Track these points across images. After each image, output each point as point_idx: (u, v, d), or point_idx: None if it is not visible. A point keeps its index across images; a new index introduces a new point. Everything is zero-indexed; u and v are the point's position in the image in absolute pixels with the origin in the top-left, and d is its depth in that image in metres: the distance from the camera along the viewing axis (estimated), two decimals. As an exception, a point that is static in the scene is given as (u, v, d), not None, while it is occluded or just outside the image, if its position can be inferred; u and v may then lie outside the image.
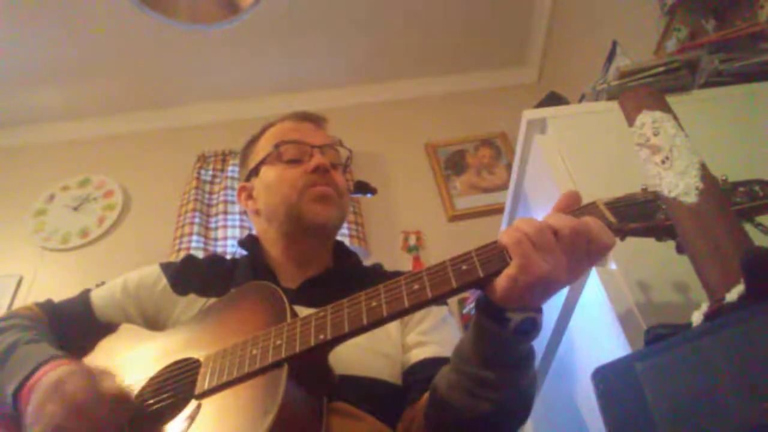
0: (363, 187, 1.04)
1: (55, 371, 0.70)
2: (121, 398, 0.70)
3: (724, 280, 0.56)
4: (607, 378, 0.57)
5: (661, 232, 0.67)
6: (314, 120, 1.10)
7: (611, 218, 0.65)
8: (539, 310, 0.65)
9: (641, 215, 0.67)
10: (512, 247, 0.61)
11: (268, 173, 1.02)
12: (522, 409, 0.73)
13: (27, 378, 0.72)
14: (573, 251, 0.61)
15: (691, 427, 0.48)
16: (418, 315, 0.92)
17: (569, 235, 0.61)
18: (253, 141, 1.10)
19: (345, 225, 2.46)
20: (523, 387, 0.70)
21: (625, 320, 0.82)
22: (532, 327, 0.64)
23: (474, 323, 0.67)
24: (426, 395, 0.78)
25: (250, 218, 1.09)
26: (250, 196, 1.06)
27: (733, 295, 0.53)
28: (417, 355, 0.88)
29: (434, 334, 0.91)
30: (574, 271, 0.62)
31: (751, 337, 0.48)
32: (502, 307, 0.63)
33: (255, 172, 1.05)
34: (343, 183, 1.02)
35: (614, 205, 0.67)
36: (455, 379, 0.70)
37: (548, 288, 0.62)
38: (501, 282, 0.62)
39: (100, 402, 0.67)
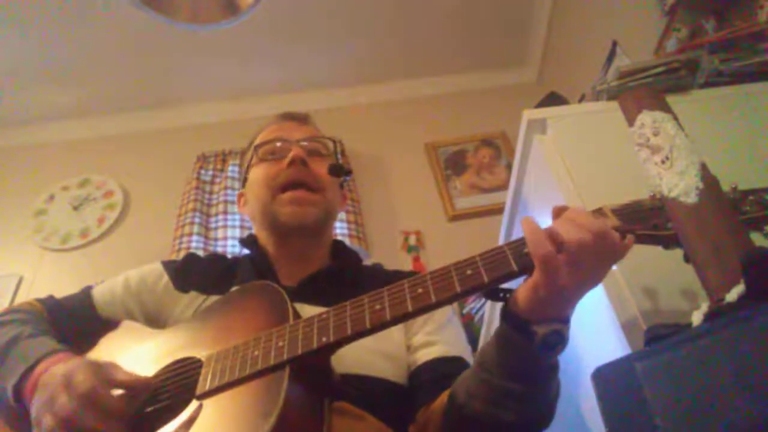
0: (337, 171, 1.02)
1: (64, 364, 0.70)
2: (134, 386, 0.71)
3: (724, 280, 0.57)
4: (607, 378, 0.58)
5: (669, 240, 0.67)
6: (297, 118, 1.11)
7: (617, 224, 0.65)
8: (565, 321, 0.64)
9: (648, 222, 0.67)
10: (541, 261, 0.59)
11: (251, 176, 1.04)
12: (544, 417, 0.72)
13: (29, 371, 0.72)
14: (597, 259, 0.61)
15: (692, 427, 0.48)
16: (422, 316, 0.91)
17: (593, 245, 0.60)
18: (246, 149, 1.12)
19: (345, 225, 2.46)
20: (546, 397, 0.70)
21: (625, 320, 0.82)
22: (558, 340, 0.63)
23: (498, 334, 0.67)
24: (441, 397, 0.78)
25: (251, 222, 1.11)
26: (245, 202, 1.07)
27: (733, 295, 0.53)
28: (425, 355, 0.88)
29: (441, 334, 0.91)
30: (595, 279, 0.62)
31: (751, 337, 0.48)
32: (527, 320, 0.63)
33: (246, 178, 1.07)
34: (322, 174, 1.00)
35: (621, 211, 0.67)
36: (476, 388, 0.70)
37: (570, 299, 0.62)
38: (523, 293, 0.62)
39: (110, 392, 0.67)
